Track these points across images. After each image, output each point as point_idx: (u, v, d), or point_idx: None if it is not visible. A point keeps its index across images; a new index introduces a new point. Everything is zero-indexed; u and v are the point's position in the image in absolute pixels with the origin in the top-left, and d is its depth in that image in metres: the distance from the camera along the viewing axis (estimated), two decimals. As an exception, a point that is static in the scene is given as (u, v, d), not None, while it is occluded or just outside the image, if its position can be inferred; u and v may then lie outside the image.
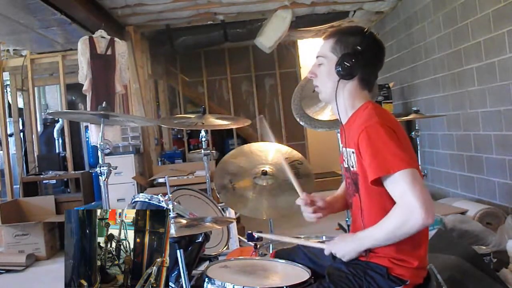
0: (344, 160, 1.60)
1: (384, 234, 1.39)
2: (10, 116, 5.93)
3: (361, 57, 1.50)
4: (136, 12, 4.96)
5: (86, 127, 6.26)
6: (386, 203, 1.39)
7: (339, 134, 3.34)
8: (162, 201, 1.80)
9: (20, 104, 6.29)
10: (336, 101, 1.55)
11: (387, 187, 1.38)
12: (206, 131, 3.22)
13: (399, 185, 1.34)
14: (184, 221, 1.72)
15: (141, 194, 2.13)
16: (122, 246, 1.53)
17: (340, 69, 1.51)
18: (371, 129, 1.39)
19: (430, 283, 1.51)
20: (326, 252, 1.53)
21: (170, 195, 1.77)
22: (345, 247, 1.48)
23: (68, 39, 4.81)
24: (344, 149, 1.59)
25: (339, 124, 1.63)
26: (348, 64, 1.49)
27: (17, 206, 4.67)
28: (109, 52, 4.35)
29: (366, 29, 1.57)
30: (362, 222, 1.50)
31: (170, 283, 1.86)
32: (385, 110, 1.56)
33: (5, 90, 5.73)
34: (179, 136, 7.25)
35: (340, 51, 1.52)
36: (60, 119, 6.58)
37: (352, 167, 1.51)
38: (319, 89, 1.61)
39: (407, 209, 1.32)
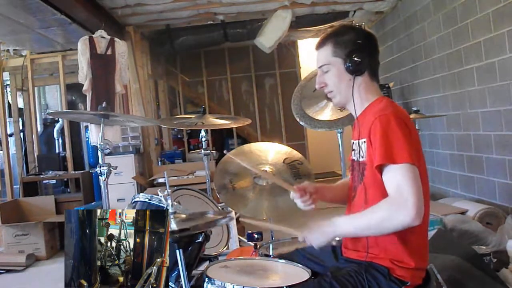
0: (353, 153, 1.61)
1: (367, 224, 1.38)
2: (10, 116, 5.93)
3: (364, 49, 1.53)
4: (136, 12, 4.96)
5: (86, 127, 6.26)
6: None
7: (339, 135, 3.35)
8: (161, 197, 1.79)
9: (20, 104, 6.29)
10: (353, 98, 1.56)
11: (384, 176, 1.38)
12: (206, 131, 3.22)
13: (398, 176, 1.34)
14: (183, 215, 1.72)
15: (141, 194, 2.13)
16: (122, 246, 1.53)
17: (350, 65, 1.52)
18: (384, 118, 1.41)
19: (430, 283, 1.51)
20: (300, 239, 1.53)
21: (169, 191, 1.76)
22: (318, 232, 1.48)
23: (68, 39, 4.81)
24: (355, 141, 1.59)
25: (352, 120, 1.64)
26: (358, 59, 1.51)
27: (17, 206, 4.67)
28: (109, 52, 4.35)
29: (355, 24, 1.61)
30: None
31: (170, 283, 1.86)
32: (398, 106, 1.57)
33: (5, 90, 5.74)
34: (179, 136, 7.25)
35: (342, 51, 1.53)
36: (60, 119, 6.57)
37: (362, 157, 1.51)
38: (333, 94, 1.61)
39: (400, 202, 1.31)
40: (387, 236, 1.43)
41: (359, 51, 1.52)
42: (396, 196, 1.33)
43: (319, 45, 1.59)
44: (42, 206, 4.71)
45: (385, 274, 1.43)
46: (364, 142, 1.48)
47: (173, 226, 1.57)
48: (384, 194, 1.40)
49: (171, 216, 1.64)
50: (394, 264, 1.44)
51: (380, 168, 1.38)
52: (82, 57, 4.22)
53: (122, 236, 1.53)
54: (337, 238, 1.49)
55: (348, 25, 1.62)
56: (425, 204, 1.44)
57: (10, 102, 6.12)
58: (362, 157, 1.51)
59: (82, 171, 5.38)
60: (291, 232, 1.61)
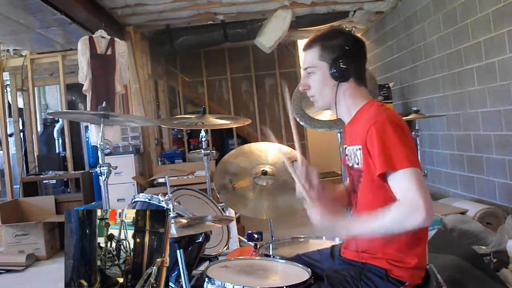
0: (347, 158, 1.60)
1: (379, 227, 1.36)
2: (10, 116, 5.93)
3: (351, 55, 1.51)
4: (136, 12, 4.96)
5: (86, 127, 6.26)
6: (390, 199, 1.37)
7: (339, 134, 3.35)
8: (162, 201, 1.80)
9: (20, 104, 6.29)
10: (337, 104, 1.56)
11: (390, 183, 1.37)
12: (206, 131, 3.22)
13: (404, 182, 1.33)
14: (184, 221, 1.72)
15: (141, 194, 2.13)
16: (122, 246, 1.53)
17: (335, 71, 1.51)
18: (379, 125, 1.39)
19: (429, 283, 1.51)
20: (298, 196, 1.50)
21: (170, 195, 1.77)
22: (329, 221, 1.43)
23: (68, 39, 4.81)
24: (348, 147, 1.59)
25: (342, 125, 1.63)
26: (343, 66, 1.50)
27: (17, 206, 4.68)
28: (109, 52, 4.35)
29: (345, 28, 1.60)
30: None
31: (170, 283, 1.86)
32: (390, 108, 1.56)
33: (5, 90, 5.74)
34: (179, 136, 7.25)
35: (329, 56, 1.52)
36: (60, 119, 6.58)
37: (357, 164, 1.50)
38: (315, 99, 1.60)
39: (411, 205, 1.30)
40: (384, 237, 1.43)
41: (346, 57, 1.50)
42: (407, 200, 1.32)
43: (307, 47, 1.58)
44: (42, 206, 4.71)
45: (382, 275, 1.43)
46: (359, 149, 1.47)
47: (173, 232, 1.57)
48: (385, 199, 1.39)
49: (172, 221, 1.64)
50: (392, 264, 1.43)
51: (384, 176, 1.38)
52: (82, 57, 4.22)
53: (122, 236, 1.53)
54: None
55: (338, 29, 1.60)
56: None
57: (10, 102, 6.11)
58: (358, 163, 1.50)
59: (82, 171, 5.39)
60: (298, 187, 1.55)
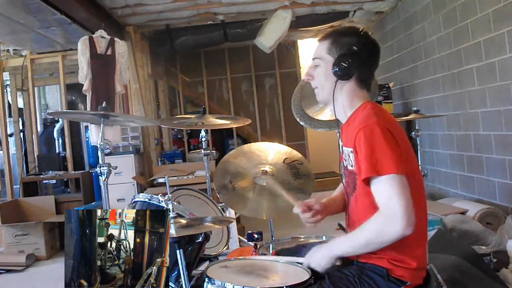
0: (343, 159, 1.60)
1: (362, 241, 1.39)
2: (10, 116, 5.93)
3: (358, 57, 1.50)
4: (136, 12, 4.96)
5: (86, 127, 6.26)
6: None
7: (339, 134, 3.36)
8: (162, 201, 1.80)
9: (20, 104, 6.29)
10: (334, 102, 1.55)
11: (372, 188, 1.38)
12: (206, 131, 3.22)
13: (385, 189, 1.34)
14: (184, 221, 1.72)
15: (141, 194, 2.14)
16: (122, 246, 1.53)
17: (337, 69, 1.51)
18: (368, 129, 1.39)
19: (430, 283, 1.51)
20: (305, 266, 1.53)
21: (170, 195, 1.77)
22: (318, 256, 1.48)
23: (68, 39, 4.81)
24: (343, 148, 1.59)
25: (339, 124, 1.64)
26: (345, 65, 1.49)
27: (17, 206, 4.68)
28: (109, 52, 4.35)
29: (361, 29, 1.58)
30: (359, 221, 1.50)
31: (170, 283, 1.86)
32: (384, 110, 1.56)
33: (5, 90, 5.74)
34: (179, 136, 7.25)
35: (336, 52, 1.52)
36: (60, 119, 6.58)
37: (351, 166, 1.51)
38: (317, 91, 1.61)
39: (388, 215, 1.32)
40: None
41: (351, 57, 1.49)
42: (385, 209, 1.33)
43: (321, 38, 1.58)
44: (42, 206, 4.71)
45: (383, 275, 1.43)
46: (352, 152, 1.47)
47: (173, 232, 1.57)
48: (374, 204, 1.40)
49: (171, 221, 1.64)
50: (393, 264, 1.43)
51: (368, 181, 1.38)
52: (82, 57, 4.22)
53: (122, 236, 1.53)
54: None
55: (354, 28, 1.59)
56: (422, 206, 1.46)
57: (10, 102, 6.12)
58: (352, 166, 1.51)
59: (82, 171, 5.39)
60: (298, 260, 1.59)
